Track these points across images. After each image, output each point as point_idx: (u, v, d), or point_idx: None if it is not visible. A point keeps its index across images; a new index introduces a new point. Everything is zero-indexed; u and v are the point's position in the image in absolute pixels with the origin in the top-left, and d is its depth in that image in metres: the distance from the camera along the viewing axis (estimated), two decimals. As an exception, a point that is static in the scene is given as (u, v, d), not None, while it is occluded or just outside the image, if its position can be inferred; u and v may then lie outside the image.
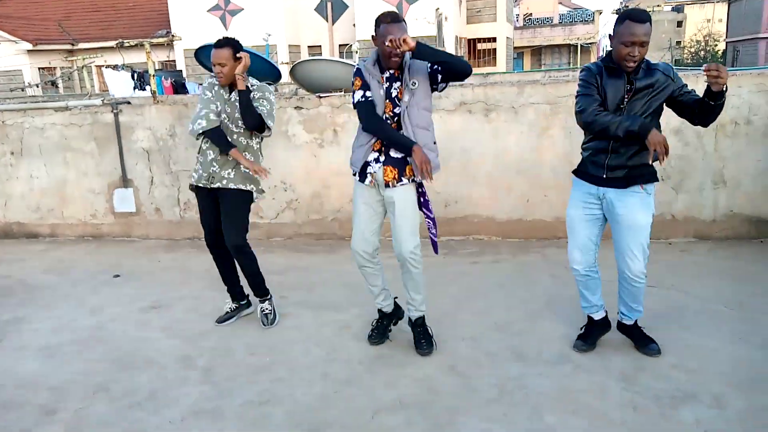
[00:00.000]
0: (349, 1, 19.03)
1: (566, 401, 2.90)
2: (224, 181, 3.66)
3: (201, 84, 3.71)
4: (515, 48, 29.68)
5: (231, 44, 3.55)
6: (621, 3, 69.58)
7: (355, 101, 3.20)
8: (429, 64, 3.11)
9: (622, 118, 2.88)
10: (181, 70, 15.62)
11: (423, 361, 3.33)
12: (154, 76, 5.85)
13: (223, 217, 3.72)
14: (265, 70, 6.23)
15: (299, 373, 3.29)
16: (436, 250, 3.47)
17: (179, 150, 5.79)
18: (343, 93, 5.56)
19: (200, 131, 3.60)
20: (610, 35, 3.05)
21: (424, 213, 3.36)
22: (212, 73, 3.67)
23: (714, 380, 2.98)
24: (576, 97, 3.07)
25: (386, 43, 2.98)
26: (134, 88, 10.35)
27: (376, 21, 3.12)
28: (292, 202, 5.76)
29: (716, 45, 47.01)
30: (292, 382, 3.20)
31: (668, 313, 3.78)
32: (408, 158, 3.16)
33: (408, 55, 3.11)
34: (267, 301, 3.94)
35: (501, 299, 4.16)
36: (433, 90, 3.20)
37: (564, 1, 48.79)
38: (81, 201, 6.11)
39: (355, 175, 3.32)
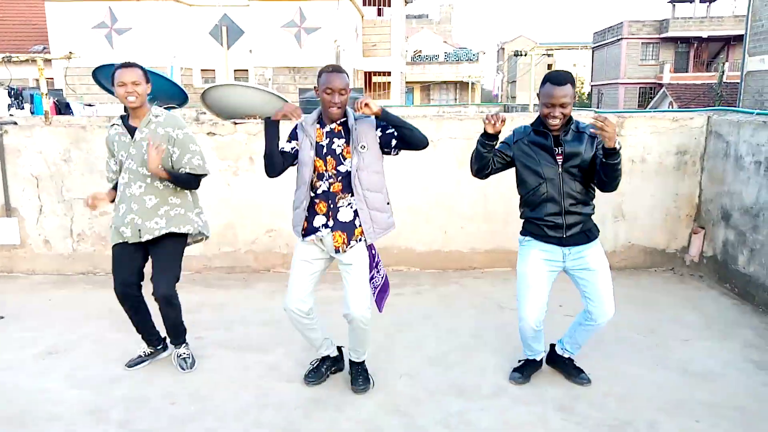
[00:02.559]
0: (245, 27, 18.75)
1: (512, 436, 2.89)
2: (155, 231, 3.33)
3: (88, 104, 3.37)
4: (406, 83, 30.66)
5: (139, 66, 3.28)
6: (498, 45, 74.52)
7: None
8: (379, 127, 3.07)
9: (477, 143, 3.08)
10: (61, 89, 14.45)
11: (362, 402, 3.20)
12: (46, 94, 5.32)
13: (155, 266, 3.37)
14: (171, 92, 5.90)
15: (229, 423, 3.03)
16: (380, 308, 3.31)
17: (74, 176, 5.28)
18: (259, 120, 5.37)
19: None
20: (538, 94, 3.17)
21: (374, 273, 3.21)
22: (113, 121, 3.41)
23: (644, 406, 3.12)
24: None
25: (332, 100, 2.98)
26: (9, 107, 9.42)
27: (319, 72, 3.05)
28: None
29: (582, 87, 51.57)
30: None
31: (589, 342, 3.93)
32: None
33: (352, 117, 3.07)
34: (184, 346, 3.63)
35: (429, 331, 4.13)
36: (384, 153, 3.14)
37: (448, 40, 51.37)
38: (-49, 232, 5.36)
39: (298, 236, 3.18)
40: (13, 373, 3.55)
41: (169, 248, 3.39)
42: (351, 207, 3.08)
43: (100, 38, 18.21)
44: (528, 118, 5.43)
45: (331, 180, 3.06)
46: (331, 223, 3.08)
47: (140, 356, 3.61)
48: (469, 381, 3.42)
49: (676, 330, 4.13)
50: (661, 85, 35.89)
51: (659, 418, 3.01)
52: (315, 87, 3.06)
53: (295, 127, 3.19)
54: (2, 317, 4.43)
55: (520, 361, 3.51)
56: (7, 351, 3.85)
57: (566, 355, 3.44)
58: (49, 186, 5.30)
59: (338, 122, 3.08)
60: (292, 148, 3.14)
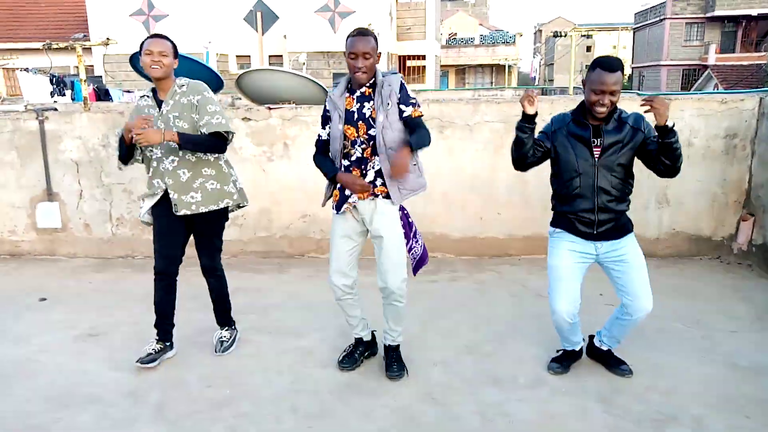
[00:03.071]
0: (280, 12, 18.79)
1: (551, 427, 2.82)
2: (193, 207, 3.28)
3: (127, 91, 3.31)
4: (441, 66, 30.30)
5: (170, 39, 3.22)
6: (535, 27, 73.07)
7: (318, 136, 3.22)
8: (399, 96, 3.00)
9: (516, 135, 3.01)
10: (100, 76, 14.74)
11: (397, 389, 3.16)
12: (85, 81, 5.39)
13: (199, 241, 3.41)
14: (207, 78, 5.90)
15: (264, 406, 3.03)
16: (414, 273, 3.30)
17: (112, 161, 5.34)
18: (294, 105, 5.34)
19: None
20: (583, 81, 3.04)
21: (411, 242, 3.20)
22: (143, 93, 3.34)
23: (690, 401, 3.00)
24: None
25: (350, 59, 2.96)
26: (52, 94, 9.63)
27: (346, 39, 3.01)
28: (238, 218, 5.45)
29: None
30: (258, 417, 2.94)
31: (629, 333, 3.80)
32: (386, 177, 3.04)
33: (380, 75, 3.02)
34: (228, 330, 3.67)
35: (465, 319, 4.06)
36: None
37: (484, 23, 50.55)
38: (-3, 216, 5.52)
39: (333, 208, 3.18)
40: (54, 354, 3.62)
41: (211, 224, 3.40)
42: (373, 169, 3.04)
43: (137, 25, 18.48)
44: (568, 102, 5.27)
45: (363, 146, 3.02)
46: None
47: (150, 353, 3.44)
48: (505, 371, 3.35)
49: (723, 321, 3.97)
50: (705, 67, 34.61)
51: (706, 413, 2.89)
52: (344, 52, 3.04)
53: (324, 110, 3.17)
54: (44, 299, 4.53)
55: (558, 351, 3.42)
56: (48, 332, 3.93)
57: (605, 348, 3.34)
58: (88, 171, 5.39)
59: (368, 85, 3.02)
60: (327, 134, 3.15)
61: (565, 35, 11.02)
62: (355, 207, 3.10)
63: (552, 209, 3.21)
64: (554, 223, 3.19)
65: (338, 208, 3.13)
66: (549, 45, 57.77)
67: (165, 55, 3.13)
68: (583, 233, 3.04)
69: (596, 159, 2.94)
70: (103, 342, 3.81)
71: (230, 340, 3.63)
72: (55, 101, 8.53)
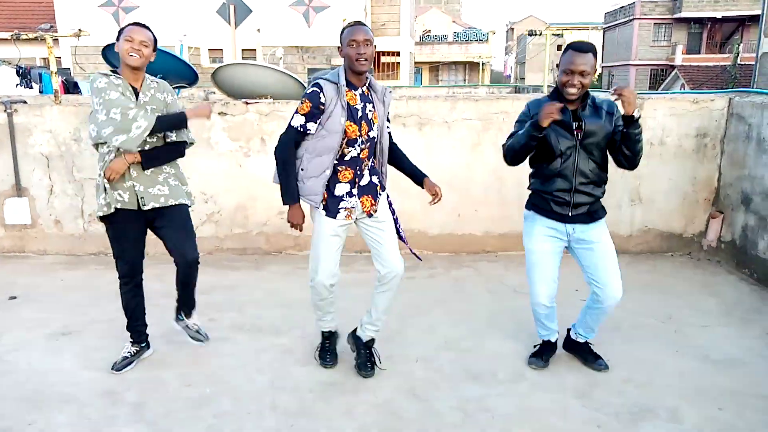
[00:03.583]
0: (253, 5, 18.55)
1: (531, 422, 2.86)
2: (161, 199, 3.17)
3: (96, 89, 2.99)
4: (415, 63, 30.35)
5: (152, 31, 3.11)
6: (507, 25, 73.63)
7: (293, 125, 2.94)
8: (390, 96, 3.09)
9: (520, 134, 2.99)
10: (68, 68, 14.37)
11: (378, 386, 3.17)
12: (56, 73, 5.24)
13: (174, 233, 3.21)
14: (182, 71, 5.81)
15: (245, 405, 3.00)
16: (404, 241, 3.30)
17: (85, 156, 5.22)
18: (271, 100, 5.29)
19: (145, 135, 2.98)
20: (557, 65, 3.09)
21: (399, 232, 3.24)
22: (105, 72, 3.08)
23: (665, 394, 3.07)
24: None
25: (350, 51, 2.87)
26: (17, 86, 9.35)
27: (341, 31, 2.96)
28: (214, 215, 5.38)
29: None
30: (238, 416, 2.92)
31: (604, 327, 3.83)
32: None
33: (374, 79, 3.05)
34: (194, 315, 3.51)
35: (444, 316, 4.09)
36: None
37: (457, 20, 50.76)
38: (-38, 211, 5.34)
39: (317, 207, 3.04)
40: (26, 353, 3.53)
41: (182, 214, 3.26)
42: (369, 173, 3.08)
43: (107, 17, 18.06)
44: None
45: (362, 146, 2.98)
46: (355, 190, 3.03)
47: (125, 357, 3.36)
48: (485, 366, 3.38)
49: (694, 316, 4.07)
50: (673, 67, 35.38)
51: (681, 405, 2.96)
52: (339, 47, 2.95)
53: (316, 101, 2.89)
54: (15, 297, 4.42)
55: (535, 346, 3.47)
56: (20, 331, 3.83)
57: (581, 340, 3.39)
58: (59, 166, 5.26)
59: (365, 85, 3.01)
60: (316, 129, 2.93)
61: (540, 34, 11.14)
62: (352, 210, 3.05)
63: (529, 188, 3.25)
64: (528, 205, 3.25)
65: (331, 211, 3.02)
66: (521, 43, 58.31)
67: (146, 45, 3.03)
68: (558, 214, 3.09)
69: (578, 141, 2.98)
70: (77, 340, 3.73)
71: (201, 327, 3.54)
72: (20, 95, 8.29)
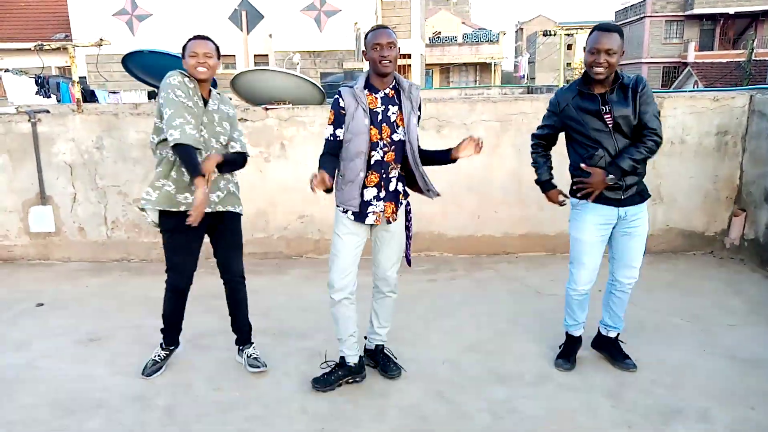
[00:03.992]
0: (265, 11, 18.67)
1: (561, 423, 2.85)
2: (219, 206, 3.18)
3: (112, 92, 3.07)
4: (425, 65, 30.34)
5: (213, 41, 3.13)
6: (516, 25, 73.44)
7: (326, 137, 3.05)
8: (417, 91, 3.07)
9: (538, 171, 3.28)
10: (84, 77, 14.54)
11: (406, 389, 3.18)
12: (77, 83, 5.32)
13: (226, 243, 3.30)
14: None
15: (275, 408, 3.03)
16: (409, 262, 3.31)
17: (107, 164, 5.29)
18: (290, 105, 5.32)
19: (173, 143, 2.99)
20: (584, 48, 3.09)
21: (407, 233, 3.23)
22: (181, 70, 3.08)
23: (694, 394, 3.05)
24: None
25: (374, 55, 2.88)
26: (37, 95, 9.50)
27: (365, 35, 2.99)
28: (234, 220, 5.42)
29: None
30: (269, 419, 2.94)
31: (629, 327, 3.83)
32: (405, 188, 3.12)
33: (404, 80, 3.04)
34: (252, 346, 3.49)
35: (467, 318, 4.09)
36: None
37: (466, 21, 50.74)
38: (-12, 220, 5.43)
39: (345, 212, 3.05)
40: (56, 360, 3.58)
41: (236, 225, 3.32)
42: (396, 176, 3.06)
43: (120, 25, 18.26)
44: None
45: (385, 149, 2.98)
46: (383, 194, 3.02)
47: (156, 361, 3.40)
48: (511, 368, 3.38)
49: (720, 315, 4.04)
50: (685, 64, 35.08)
51: (711, 406, 2.94)
52: (363, 51, 3.00)
53: (337, 108, 2.99)
54: (42, 304, 4.48)
55: (560, 346, 3.46)
56: (48, 338, 3.89)
57: (612, 334, 3.40)
58: (82, 174, 5.33)
59: (391, 87, 3.00)
60: (336, 137, 2.99)
61: (555, 34, 11.12)
62: (380, 215, 3.04)
63: (573, 177, 3.17)
64: (575, 192, 3.17)
65: (360, 216, 3.02)
66: (530, 43, 58.14)
67: (210, 56, 3.06)
68: (610, 199, 3.08)
69: (610, 127, 2.97)
70: (105, 346, 3.77)
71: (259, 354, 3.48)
72: (39, 104, 8.41)
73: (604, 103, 2.98)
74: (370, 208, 3.02)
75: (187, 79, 3.07)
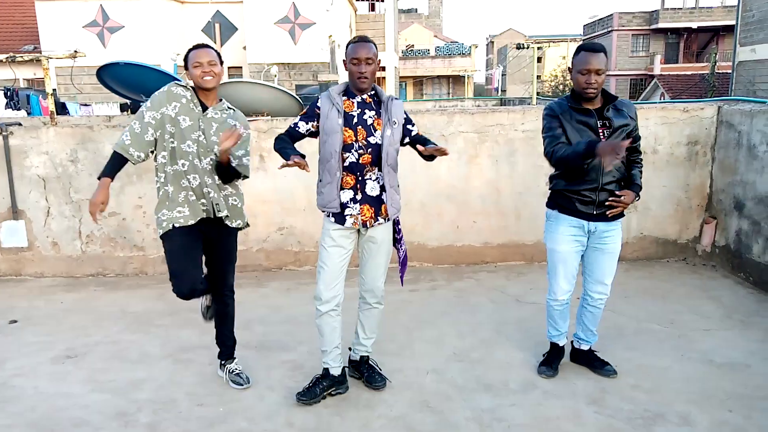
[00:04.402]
0: (239, 23, 18.64)
1: (547, 430, 2.88)
2: (224, 211, 3.12)
3: (84, 104, 2.99)
4: (399, 78, 30.56)
5: (215, 50, 3.10)
6: (487, 38, 74.44)
7: (290, 124, 3.08)
8: (405, 118, 3.10)
9: (575, 148, 2.97)
10: (54, 89, 14.27)
11: (392, 399, 3.17)
12: (52, 94, 5.23)
13: (221, 256, 3.24)
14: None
15: (260, 423, 3.00)
16: (402, 282, 3.36)
17: (82, 177, 5.20)
18: (269, 117, 5.31)
19: (115, 149, 3.03)
20: (569, 68, 3.16)
21: (398, 248, 3.22)
22: (177, 81, 3.15)
23: (674, 398, 3.11)
24: (543, 137, 3.18)
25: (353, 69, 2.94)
26: (6, 107, 9.30)
27: (346, 45, 3.03)
28: (213, 233, 5.37)
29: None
30: (254, 433, 2.91)
31: (608, 334, 3.91)
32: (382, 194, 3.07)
33: (383, 92, 3.09)
34: (235, 362, 3.43)
35: (450, 327, 4.11)
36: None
37: (438, 35, 51.25)
38: (-43, 236, 5.28)
39: (328, 216, 3.07)
40: (32, 378, 3.49)
41: (233, 239, 3.28)
42: (378, 182, 3.05)
43: (91, 37, 18.01)
44: (539, 112, 5.40)
45: (360, 151, 2.99)
46: (359, 196, 3.03)
47: (208, 306, 3.41)
48: (495, 376, 3.40)
49: (695, 320, 4.13)
50: (652, 77, 35.98)
51: (691, 409, 3.00)
52: (344, 60, 3.04)
53: (313, 106, 3.07)
54: (15, 321, 4.37)
55: (544, 354, 3.51)
56: (23, 356, 3.79)
57: (584, 347, 3.46)
58: (56, 187, 5.23)
59: (369, 94, 3.04)
60: (307, 130, 3.06)
61: (528, 47, 11.33)
62: (356, 219, 3.05)
63: (551, 188, 3.26)
64: (551, 204, 3.27)
65: (340, 218, 3.04)
66: (501, 56, 58.97)
67: (214, 64, 3.02)
68: (582, 213, 3.14)
69: (603, 140, 3.02)
70: (82, 363, 3.69)
71: (242, 370, 3.42)
72: (8, 117, 8.23)
73: (600, 117, 3.06)
74: (347, 211, 3.04)
75: (181, 89, 3.07)
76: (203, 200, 3.10)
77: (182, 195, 3.07)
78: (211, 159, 3.07)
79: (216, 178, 3.10)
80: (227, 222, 3.18)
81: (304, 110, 3.12)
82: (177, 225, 3.05)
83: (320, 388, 3.17)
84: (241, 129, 3.07)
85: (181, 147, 3.05)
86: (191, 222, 3.07)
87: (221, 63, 3.10)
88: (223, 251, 3.27)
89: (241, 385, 3.33)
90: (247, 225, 3.36)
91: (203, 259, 3.24)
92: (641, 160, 3.26)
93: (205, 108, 3.10)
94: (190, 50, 3.08)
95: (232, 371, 3.39)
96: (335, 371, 3.21)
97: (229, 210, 3.19)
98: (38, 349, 3.87)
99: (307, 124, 3.06)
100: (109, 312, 4.52)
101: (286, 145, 3.00)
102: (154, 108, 3.05)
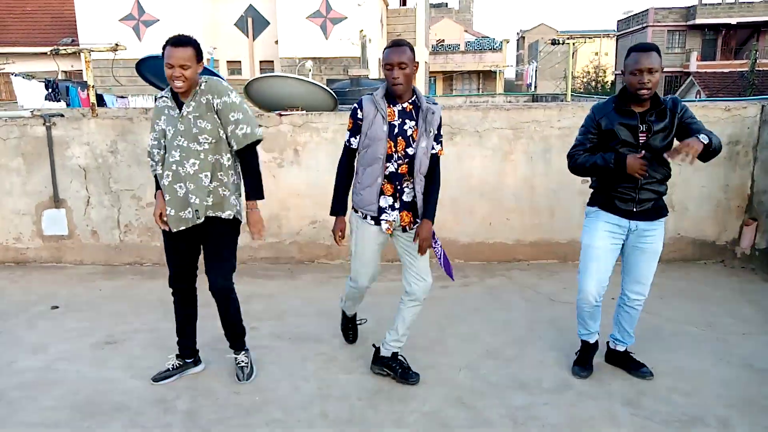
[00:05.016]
0: (271, 18, 18.78)
1: (582, 430, 2.86)
2: (209, 211, 3.10)
3: (120, 96, 3.15)
4: (429, 73, 30.46)
5: (193, 43, 2.95)
6: (518, 33, 73.66)
7: (345, 141, 3.17)
8: (436, 131, 3.10)
9: (596, 158, 3.00)
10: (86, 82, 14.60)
11: (426, 394, 3.19)
12: (92, 87, 5.35)
13: (210, 256, 3.16)
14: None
15: (295, 413, 3.04)
16: (452, 276, 3.43)
17: (121, 168, 5.32)
18: (304, 112, 5.35)
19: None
20: (621, 71, 3.10)
21: (433, 246, 3.23)
22: (161, 93, 3.14)
23: (713, 403, 3.06)
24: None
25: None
26: (46, 99, 9.54)
27: (384, 49, 3.07)
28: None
29: (605, 76, 50.79)
30: (289, 423, 2.95)
31: (644, 335, 3.85)
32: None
33: (423, 98, 3.09)
34: (244, 353, 3.42)
35: (483, 324, 4.10)
36: None
37: (468, 30, 50.88)
38: (3, 222, 5.45)
39: (365, 217, 3.15)
40: (74, 363, 3.59)
41: (223, 234, 3.16)
42: (412, 189, 3.11)
43: (127, 30, 18.34)
44: (576, 109, 5.33)
45: (399, 162, 3.03)
46: (398, 204, 3.10)
47: (168, 369, 3.36)
48: (529, 374, 3.39)
49: (734, 324, 4.05)
50: (687, 74, 35.21)
51: (731, 414, 2.95)
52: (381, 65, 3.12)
53: (355, 117, 3.09)
54: (57, 307, 4.49)
55: (576, 353, 3.47)
56: (65, 341, 3.90)
57: (620, 348, 3.42)
58: (96, 177, 5.35)
59: (410, 101, 3.05)
60: (350, 144, 3.14)
61: (563, 43, 11.20)
62: (393, 222, 3.13)
63: (591, 186, 3.27)
64: (592, 202, 3.24)
65: (376, 220, 3.12)
66: (533, 52, 58.27)
67: (186, 67, 2.90)
68: (622, 210, 3.10)
69: (641, 143, 2.98)
70: (122, 349, 3.78)
71: (250, 365, 3.41)
72: (48, 108, 8.44)
73: (642, 121, 3.00)
74: (384, 216, 3.10)
75: (162, 98, 3.13)
76: (188, 210, 3.11)
77: (172, 203, 3.13)
78: (194, 162, 3.03)
79: (202, 177, 3.04)
80: (210, 213, 3.12)
81: (349, 123, 3.13)
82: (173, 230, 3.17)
83: (355, 326, 3.75)
84: (215, 100, 2.99)
85: (168, 158, 3.10)
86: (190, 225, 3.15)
87: (199, 59, 2.97)
88: (210, 245, 3.17)
89: (240, 380, 3.31)
90: (238, 220, 3.22)
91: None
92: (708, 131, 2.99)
93: (181, 105, 3.05)
94: (165, 44, 2.95)
95: (238, 362, 3.40)
96: (353, 312, 3.69)
97: (214, 204, 3.11)
98: (79, 335, 3.98)
99: (356, 138, 3.11)
100: (147, 300, 4.61)
101: (341, 186, 3.17)
102: (152, 129, 3.18)
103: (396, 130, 3.01)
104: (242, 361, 3.40)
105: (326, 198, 5.36)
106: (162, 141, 3.13)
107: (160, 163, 3.16)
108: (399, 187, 3.08)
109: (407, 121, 3.02)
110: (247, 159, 3.13)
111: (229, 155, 3.14)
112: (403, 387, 3.27)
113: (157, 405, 3.11)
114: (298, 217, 5.41)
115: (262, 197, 3.19)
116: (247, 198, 3.18)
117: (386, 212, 3.10)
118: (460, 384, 3.29)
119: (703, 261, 5.42)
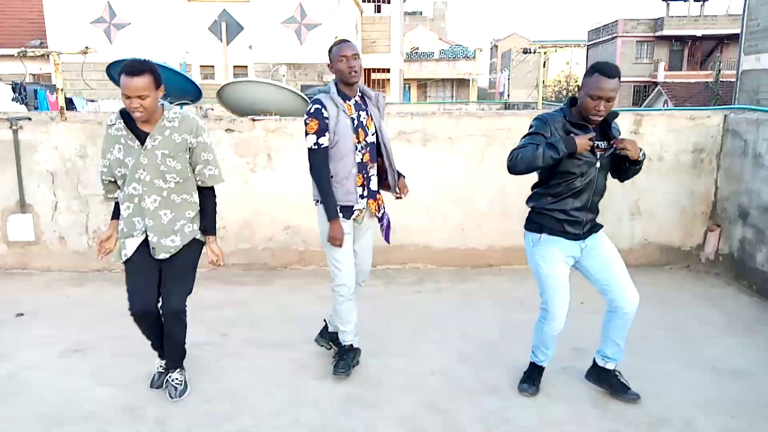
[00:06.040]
0: (245, 22, 18.67)
1: (552, 433, 2.90)
2: (171, 250, 3.01)
3: (91, 100, 2.97)
4: (404, 80, 30.63)
5: (150, 70, 2.79)
6: (491, 42, 74.54)
7: (309, 146, 3.18)
8: (383, 100, 3.39)
9: (543, 149, 2.82)
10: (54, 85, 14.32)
11: (398, 399, 3.20)
12: (61, 90, 5.25)
13: (168, 277, 3.05)
14: (186, 88, 5.85)
15: (267, 420, 3.02)
16: (388, 240, 3.59)
17: (90, 172, 5.23)
18: (277, 117, 5.34)
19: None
20: (578, 86, 3.11)
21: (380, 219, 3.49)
22: (112, 119, 2.95)
23: (678, 404, 3.13)
24: (521, 140, 3.04)
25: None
26: (13, 102, 9.33)
27: (329, 49, 3.21)
28: (219, 230, 5.34)
29: (576, 85, 51.69)
30: (261, 430, 2.94)
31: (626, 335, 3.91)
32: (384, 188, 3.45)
33: (366, 88, 3.34)
34: (179, 371, 3.26)
35: (455, 329, 4.13)
36: None
37: (443, 38, 51.32)
38: (-35, 228, 5.31)
39: (353, 201, 3.28)
40: (40, 372, 3.51)
41: (185, 258, 3.07)
42: (374, 175, 3.36)
43: (98, 33, 18.06)
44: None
45: (362, 151, 3.25)
46: (365, 192, 3.31)
47: (160, 373, 3.32)
48: (501, 378, 3.42)
49: (699, 327, 4.15)
50: (655, 84, 36.03)
51: (695, 415, 3.03)
52: (329, 64, 3.22)
53: (320, 117, 3.11)
54: (22, 314, 4.39)
55: (525, 373, 3.34)
56: (31, 349, 3.81)
57: (610, 366, 3.21)
58: (64, 182, 5.25)
59: (358, 95, 3.27)
60: (320, 145, 3.18)
61: (534, 52, 11.38)
62: (362, 211, 3.33)
63: (534, 208, 3.10)
64: (536, 227, 3.07)
65: (347, 213, 3.25)
66: (505, 60, 59.00)
67: (144, 96, 2.75)
68: (571, 234, 3.01)
69: (598, 161, 2.96)
70: (90, 357, 3.72)
71: (183, 383, 3.24)
72: (16, 112, 8.26)
73: (604, 137, 2.97)
74: (356, 206, 3.28)
75: (115, 125, 2.92)
76: (147, 244, 3.02)
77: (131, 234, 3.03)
78: (155, 198, 2.95)
79: (161, 214, 2.97)
80: (172, 252, 3.03)
81: (314, 125, 3.13)
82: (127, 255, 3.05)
83: (351, 358, 3.44)
84: (191, 139, 2.92)
85: (127, 190, 2.97)
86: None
87: (158, 86, 2.80)
88: (168, 269, 3.06)
89: (172, 397, 3.17)
90: (202, 242, 3.15)
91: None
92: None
93: (142, 138, 2.89)
94: (120, 72, 2.77)
95: (172, 380, 3.23)
96: (357, 344, 3.52)
97: (183, 239, 3.04)
98: (46, 343, 3.90)
99: (326, 137, 3.17)
100: (115, 307, 4.47)
101: (327, 189, 3.19)
102: (103, 156, 3.00)
103: (356, 122, 3.21)
104: (176, 379, 3.23)
105: (300, 203, 5.38)
106: (117, 170, 2.96)
107: (113, 192, 3.07)
108: (366, 176, 3.29)
109: (360, 112, 3.24)
110: (209, 196, 3.12)
111: (196, 191, 3.08)
112: (377, 393, 3.27)
113: (126, 413, 3.06)
114: (271, 222, 5.39)
115: (215, 233, 3.16)
116: (205, 233, 3.13)
117: (357, 202, 3.29)
118: (432, 388, 3.31)
119: (669, 266, 5.55)
